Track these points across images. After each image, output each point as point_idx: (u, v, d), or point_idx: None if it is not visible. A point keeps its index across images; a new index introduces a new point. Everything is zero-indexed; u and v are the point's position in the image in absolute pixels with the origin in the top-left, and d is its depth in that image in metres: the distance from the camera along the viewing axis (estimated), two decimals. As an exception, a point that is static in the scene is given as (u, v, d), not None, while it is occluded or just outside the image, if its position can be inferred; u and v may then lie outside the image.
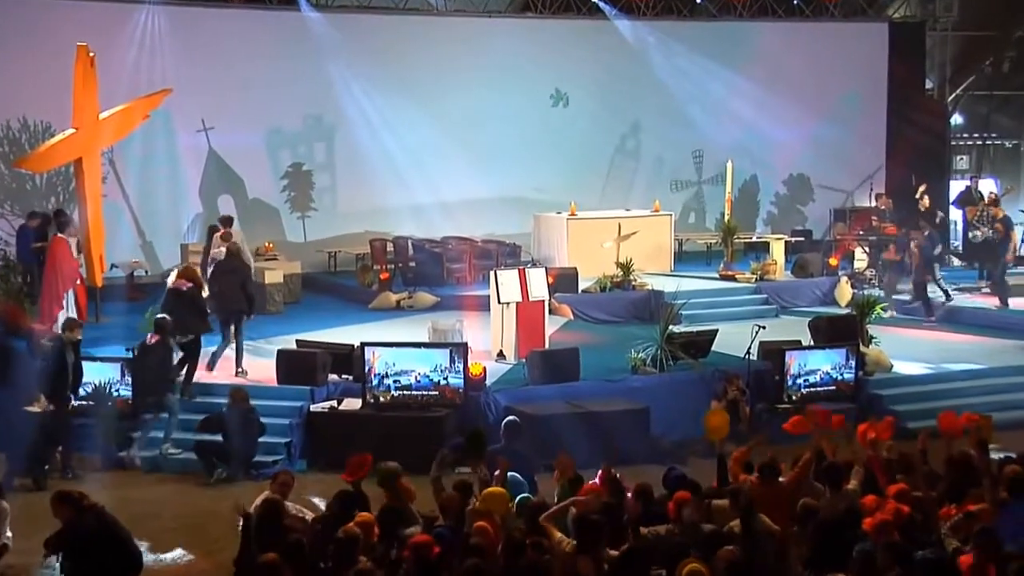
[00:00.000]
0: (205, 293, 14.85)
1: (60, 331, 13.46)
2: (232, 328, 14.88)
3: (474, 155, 23.03)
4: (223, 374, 14.72)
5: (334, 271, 22.40)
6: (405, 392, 13.36)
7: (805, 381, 14.29)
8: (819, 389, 14.30)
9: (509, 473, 9.35)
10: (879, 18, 26.77)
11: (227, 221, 17.90)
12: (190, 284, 14.48)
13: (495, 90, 23.28)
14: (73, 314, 15.82)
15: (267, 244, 20.92)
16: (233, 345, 14.93)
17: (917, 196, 20.70)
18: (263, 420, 13.08)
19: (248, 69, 21.45)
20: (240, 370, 14.78)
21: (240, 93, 21.48)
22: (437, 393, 13.34)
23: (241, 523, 8.40)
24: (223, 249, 16.24)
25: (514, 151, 23.42)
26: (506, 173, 23.45)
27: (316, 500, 11.02)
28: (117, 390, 13.68)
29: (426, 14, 23.84)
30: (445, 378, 13.33)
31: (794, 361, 14.29)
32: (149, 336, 13.62)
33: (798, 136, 25.21)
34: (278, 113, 22.31)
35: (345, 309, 19.41)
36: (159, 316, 13.91)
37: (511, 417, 11.84)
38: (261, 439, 13.04)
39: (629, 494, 8.68)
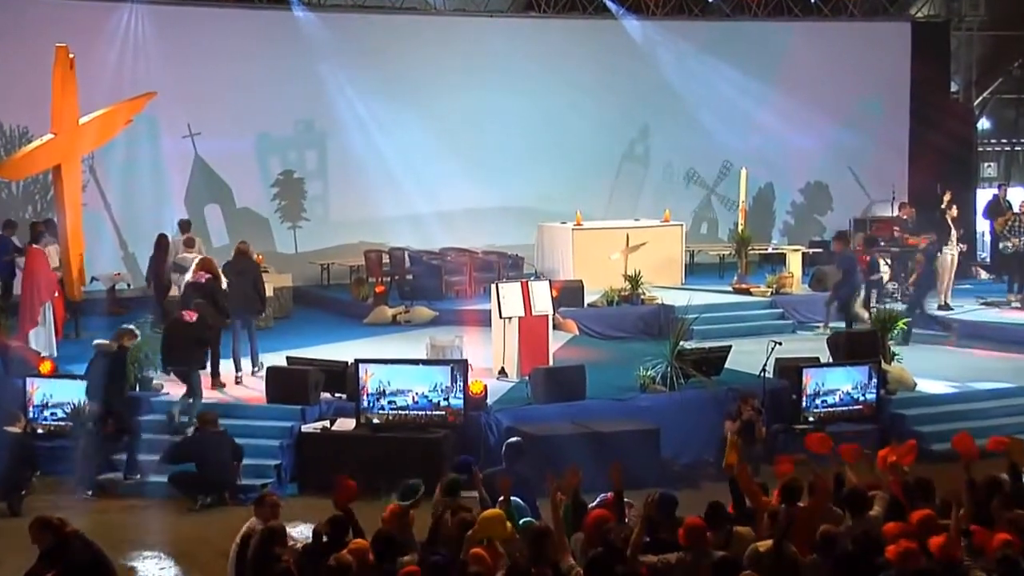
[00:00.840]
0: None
1: (115, 340, 13.45)
2: (244, 330, 15.30)
3: (474, 162, 23.06)
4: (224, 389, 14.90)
5: (327, 284, 22.42)
6: (401, 412, 13.30)
7: (824, 401, 14.25)
8: (838, 409, 14.28)
9: (512, 497, 9.33)
10: (901, 17, 26.80)
11: (187, 225, 19.15)
12: (209, 276, 14.63)
13: (496, 94, 23.34)
14: (49, 329, 15.87)
15: (256, 256, 20.89)
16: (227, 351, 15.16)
17: (943, 206, 20.56)
18: (250, 441, 13.04)
19: (236, 71, 21.53)
20: (256, 368, 15.20)
21: (228, 97, 21.57)
22: (435, 414, 13.28)
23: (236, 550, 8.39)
24: (196, 256, 16.52)
25: (517, 158, 23.46)
26: (508, 181, 23.49)
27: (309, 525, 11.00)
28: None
29: (424, 14, 23.93)
30: (445, 398, 13.23)
31: (812, 379, 14.25)
32: (186, 313, 13.63)
33: (816, 142, 25.25)
34: (268, 118, 22.37)
35: (338, 324, 19.44)
36: (198, 301, 14.05)
37: (513, 438, 11.83)
38: (248, 461, 12.96)
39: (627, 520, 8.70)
